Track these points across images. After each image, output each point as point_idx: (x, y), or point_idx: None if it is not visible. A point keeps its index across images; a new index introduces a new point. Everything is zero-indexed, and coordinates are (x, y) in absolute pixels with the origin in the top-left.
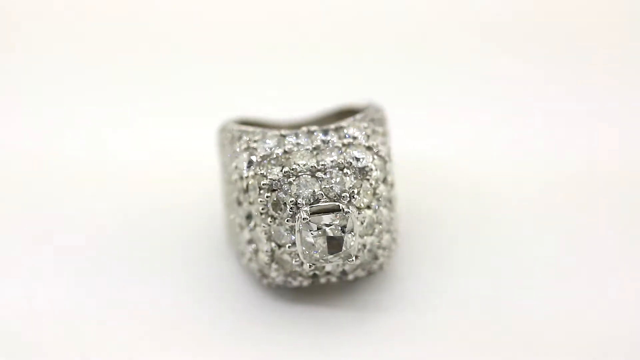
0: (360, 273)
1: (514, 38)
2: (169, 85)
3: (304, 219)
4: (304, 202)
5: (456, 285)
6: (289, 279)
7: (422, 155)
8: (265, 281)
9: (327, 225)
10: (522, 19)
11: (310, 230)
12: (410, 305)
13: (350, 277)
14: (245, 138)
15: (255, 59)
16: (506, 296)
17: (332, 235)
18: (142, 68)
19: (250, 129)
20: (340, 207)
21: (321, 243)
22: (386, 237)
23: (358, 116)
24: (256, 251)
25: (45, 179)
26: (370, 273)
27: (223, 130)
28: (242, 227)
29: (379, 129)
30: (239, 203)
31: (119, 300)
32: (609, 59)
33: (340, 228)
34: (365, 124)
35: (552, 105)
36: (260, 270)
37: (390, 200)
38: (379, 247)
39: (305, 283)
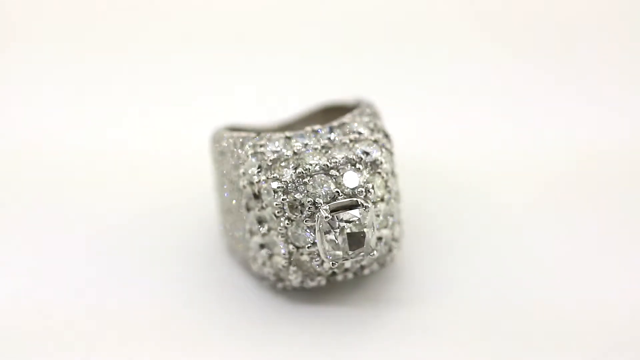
0: (375, 267)
1: (512, 36)
2: (167, 85)
3: (325, 217)
4: (322, 201)
5: (456, 284)
6: (307, 280)
7: (419, 154)
8: (280, 285)
9: (348, 222)
10: (521, 17)
11: (333, 228)
12: (410, 304)
13: (367, 271)
14: (250, 143)
15: (250, 58)
16: (507, 295)
17: (353, 231)
18: (139, 68)
19: (252, 134)
20: (359, 203)
21: (343, 240)
22: (397, 228)
23: (356, 111)
24: (271, 255)
25: (44, 179)
26: (382, 266)
27: (220, 138)
28: (252, 233)
29: (379, 123)
30: (248, 209)
31: (119, 299)
32: (608, 57)
33: (361, 223)
34: (367, 119)
35: (551, 104)
36: (276, 274)
37: (397, 192)
38: (392, 239)
39: (323, 282)
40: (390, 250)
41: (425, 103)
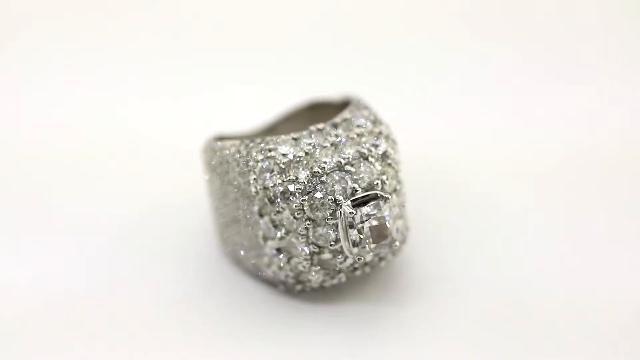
0: (389, 257)
1: (512, 35)
2: (166, 84)
3: (350, 212)
4: (342, 198)
5: (457, 283)
6: (327, 279)
7: (415, 153)
8: (299, 287)
9: (370, 215)
10: (517, 11)
11: (357, 223)
12: (410, 304)
13: (383, 264)
14: (258, 148)
15: (247, 58)
16: (509, 292)
17: (376, 224)
18: (138, 68)
19: (258, 139)
20: (379, 195)
21: (368, 234)
22: (407, 217)
23: (352, 106)
24: (289, 259)
25: (43, 179)
26: (394, 255)
27: (219, 148)
28: (267, 239)
29: (377, 114)
30: (261, 215)
31: (119, 299)
32: (608, 56)
33: (382, 216)
34: (366, 112)
35: (553, 103)
36: (296, 277)
37: (403, 181)
38: (405, 229)
39: (344, 279)
40: (404, 240)
41: (421, 102)
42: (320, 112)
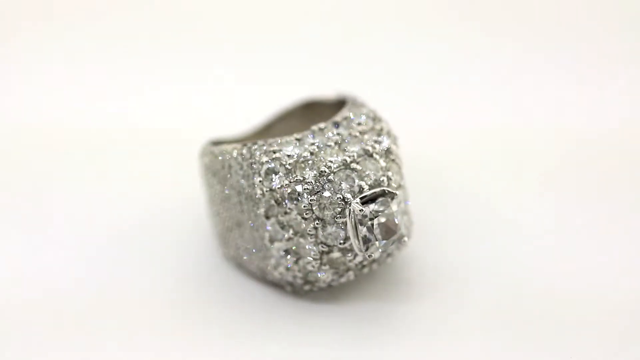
0: (396, 253)
1: (511, 32)
2: (167, 84)
3: (360, 210)
4: (350, 196)
5: (458, 281)
6: (336, 278)
7: (412, 152)
8: (307, 287)
9: (379, 212)
10: (517, 9)
11: (366, 220)
12: (408, 303)
13: (390, 260)
14: (261, 151)
15: (247, 56)
16: (509, 292)
17: (385, 220)
18: (140, 66)
19: (260, 141)
20: (386, 191)
21: (378, 231)
22: (410, 212)
23: (350, 105)
24: (297, 260)
25: (44, 176)
26: (399, 250)
27: (219, 152)
28: (272, 241)
29: (376, 112)
30: (267, 217)
31: (121, 298)
32: (606, 51)
33: (391, 212)
34: (365, 110)
35: (551, 98)
36: (304, 277)
37: (404, 178)
38: (410, 224)
39: (352, 277)
40: (409, 235)
41: (421, 101)
42: (315, 111)
